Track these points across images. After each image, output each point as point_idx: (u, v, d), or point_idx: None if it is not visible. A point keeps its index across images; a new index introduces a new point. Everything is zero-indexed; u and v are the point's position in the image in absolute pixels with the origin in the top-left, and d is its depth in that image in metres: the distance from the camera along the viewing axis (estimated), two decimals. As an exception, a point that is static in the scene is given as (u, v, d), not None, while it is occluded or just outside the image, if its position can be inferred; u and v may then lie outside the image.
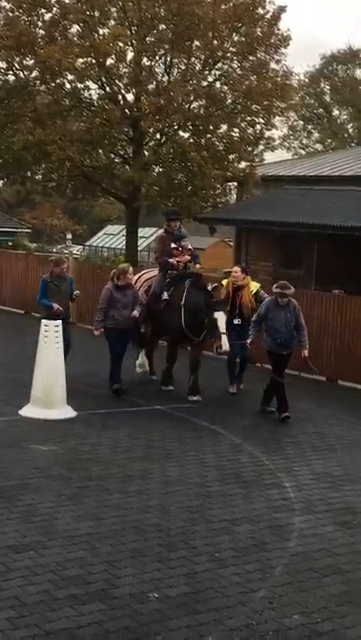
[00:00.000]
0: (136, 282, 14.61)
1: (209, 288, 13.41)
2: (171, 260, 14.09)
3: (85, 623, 5.98)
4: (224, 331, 13.09)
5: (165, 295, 13.86)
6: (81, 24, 28.71)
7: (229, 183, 32.50)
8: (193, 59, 30.15)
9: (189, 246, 14.46)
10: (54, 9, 28.91)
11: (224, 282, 14.35)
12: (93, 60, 28.62)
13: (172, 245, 14.20)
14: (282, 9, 29.95)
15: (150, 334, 14.81)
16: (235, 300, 13.92)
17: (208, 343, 13.73)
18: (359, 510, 8.88)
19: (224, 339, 13.03)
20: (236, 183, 32.53)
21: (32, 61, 29.18)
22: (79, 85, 29.63)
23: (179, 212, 15.81)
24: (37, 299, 13.92)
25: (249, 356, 14.03)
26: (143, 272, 15.53)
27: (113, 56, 28.74)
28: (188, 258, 14.27)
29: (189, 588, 6.67)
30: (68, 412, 12.12)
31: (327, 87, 63.80)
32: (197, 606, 6.37)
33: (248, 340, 13.01)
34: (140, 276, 15.03)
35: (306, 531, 8.20)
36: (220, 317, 13.12)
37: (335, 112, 64.83)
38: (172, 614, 6.21)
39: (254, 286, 14.21)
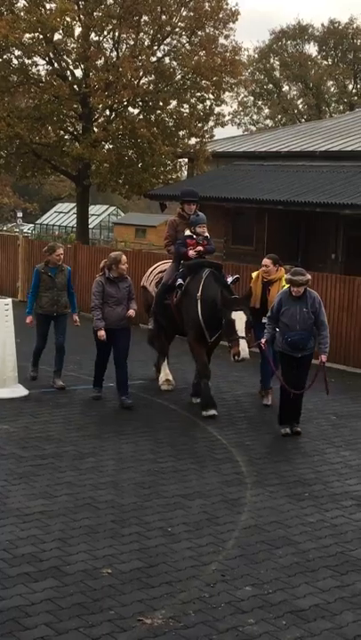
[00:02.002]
0: (150, 274, 13.32)
1: (229, 280, 11.57)
2: (182, 250, 12.10)
3: (38, 600, 5.99)
4: (243, 334, 10.90)
5: (179, 282, 11.86)
6: (27, -2, 28.34)
7: (180, 159, 32.44)
8: (141, 34, 29.99)
9: (206, 233, 12.25)
10: (0, -17, 28.49)
11: (254, 274, 12.40)
12: (41, 36, 28.28)
13: (187, 233, 12.15)
14: (230, -17, 29.88)
15: (163, 335, 13.07)
16: (264, 295, 11.96)
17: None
18: (311, 483, 8.98)
19: (243, 344, 10.82)
20: (186, 159, 32.48)
21: (-23, 37, 28.72)
22: (27, 61, 29.28)
23: (195, 192, 13.02)
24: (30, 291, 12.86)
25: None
26: (159, 263, 13.58)
27: (60, 31, 28.43)
28: (202, 249, 12.09)
29: (142, 563, 6.70)
30: (20, 391, 12.07)
31: (277, 63, 63.82)
32: (150, 581, 6.41)
33: (263, 340, 10.78)
34: (154, 268, 13.42)
35: (258, 504, 8.27)
36: (239, 318, 10.92)
37: (285, 88, 64.97)
38: (125, 589, 6.25)
39: None
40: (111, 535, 7.24)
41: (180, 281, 11.84)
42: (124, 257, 11.82)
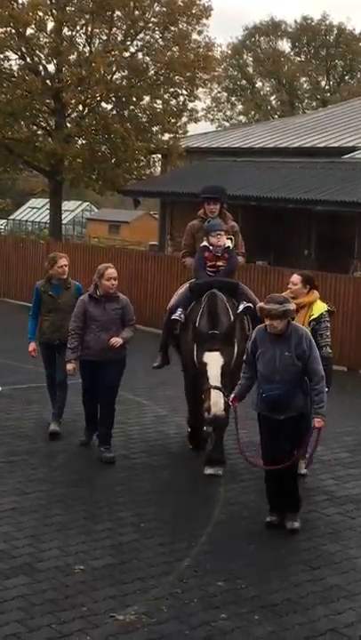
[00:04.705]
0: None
1: (240, 308, 9.11)
2: (187, 262, 9.96)
3: (10, 597, 5.97)
4: (217, 383, 8.30)
5: (178, 313, 9.28)
6: (-1, -8, 28.18)
7: (153, 155, 32.45)
8: (114, 29, 29.97)
9: (227, 243, 9.38)
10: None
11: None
12: (13, 30, 28.16)
13: (203, 243, 9.43)
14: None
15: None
16: None
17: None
18: (283, 477, 9.00)
19: (215, 397, 8.21)
20: (160, 155, 32.48)
21: None
22: (-2, 56, 29.14)
23: (217, 188, 10.16)
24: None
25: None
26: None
27: (33, 26, 28.34)
28: (221, 264, 9.31)
29: (115, 559, 6.70)
30: (-8, 388, 12.03)
31: (250, 59, 63.94)
32: (123, 577, 6.40)
33: (231, 397, 7.96)
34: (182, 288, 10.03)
35: (231, 499, 8.28)
36: (214, 361, 8.40)
37: (258, 84, 65.07)
38: (98, 585, 6.24)
39: (319, 309, 8.78)
40: (84, 532, 7.22)
41: (178, 312, 9.28)
42: (110, 270, 9.27)
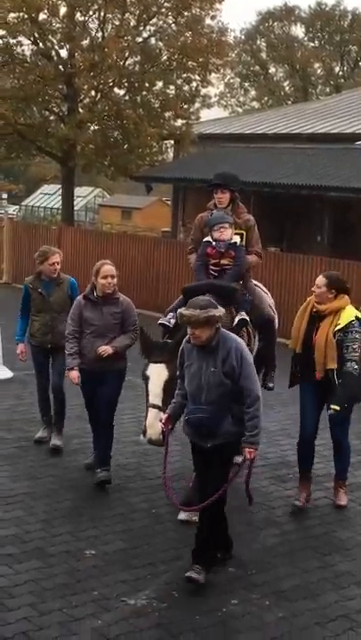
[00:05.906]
0: None
1: (237, 319, 7.73)
2: (192, 260, 8.50)
3: (22, 581, 6.01)
4: (157, 401, 7.16)
5: (168, 318, 7.90)
6: (12, -23, 28.08)
7: (166, 141, 32.36)
8: (127, 14, 29.78)
9: (233, 238, 8.06)
10: None
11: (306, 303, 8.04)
12: (25, 15, 28.06)
13: (207, 238, 8.16)
14: None
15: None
16: (309, 337, 7.78)
17: None
18: (294, 464, 8.96)
19: (151, 417, 7.10)
20: (172, 141, 32.40)
21: None
22: (11, 41, 29.02)
23: (227, 175, 8.60)
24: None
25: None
26: None
27: (45, 11, 28.24)
28: (226, 262, 8.01)
29: (126, 544, 6.73)
30: (4, 373, 12.05)
31: (263, 44, 63.65)
32: (134, 562, 6.43)
33: (163, 416, 6.77)
34: None
35: (242, 485, 8.26)
36: (156, 375, 7.26)
37: (272, 69, 64.80)
38: (109, 570, 6.27)
39: (348, 316, 7.60)
40: (95, 516, 7.26)
41: (168, 317, 7.91)
42: (106, 267, 8.03)
